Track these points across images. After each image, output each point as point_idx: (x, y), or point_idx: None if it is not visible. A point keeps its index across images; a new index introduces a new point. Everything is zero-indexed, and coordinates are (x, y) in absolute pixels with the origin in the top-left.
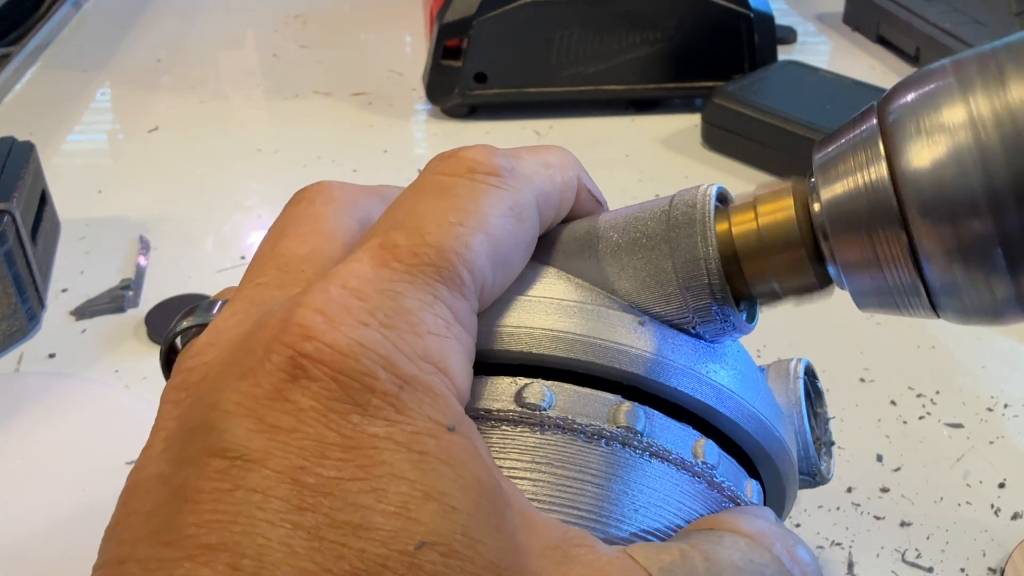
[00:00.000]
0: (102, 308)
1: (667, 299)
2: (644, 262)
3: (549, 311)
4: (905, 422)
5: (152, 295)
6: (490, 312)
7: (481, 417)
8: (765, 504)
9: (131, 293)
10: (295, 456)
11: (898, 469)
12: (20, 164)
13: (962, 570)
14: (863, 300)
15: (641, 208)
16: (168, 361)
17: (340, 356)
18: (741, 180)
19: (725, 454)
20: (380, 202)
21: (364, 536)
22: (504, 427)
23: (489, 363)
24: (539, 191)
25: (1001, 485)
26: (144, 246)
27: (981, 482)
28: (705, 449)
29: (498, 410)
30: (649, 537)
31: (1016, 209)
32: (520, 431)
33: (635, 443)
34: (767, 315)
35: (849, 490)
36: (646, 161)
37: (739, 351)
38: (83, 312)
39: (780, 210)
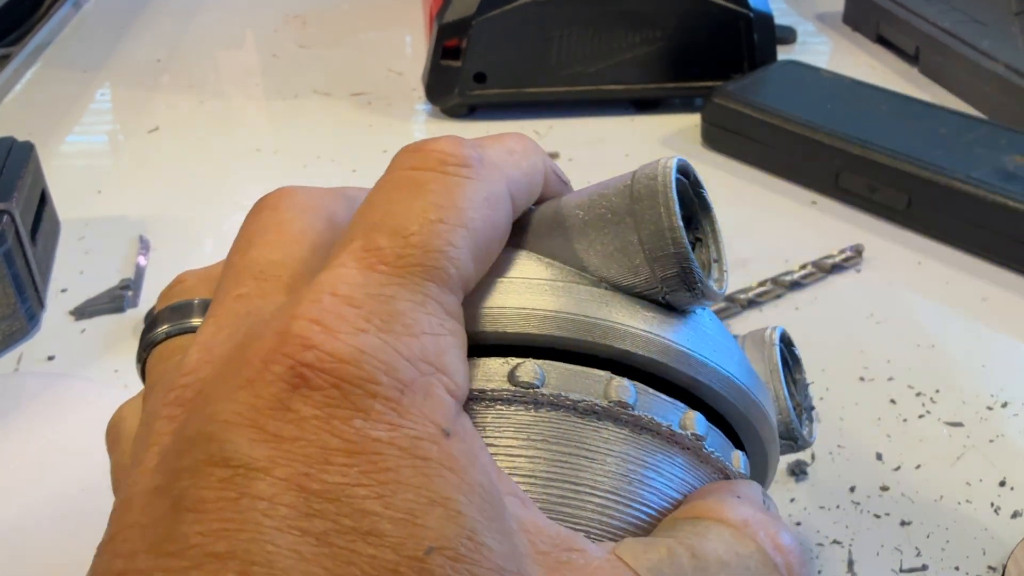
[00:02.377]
0: (102, 308)
1: (635, 271)
2: (611, 237)
3: (522, 290)
4: (905, 420)
5: (152, 295)
6: (471, 296)
7: (475, 397)
8: (750, 472)
9: (131, 293)
10: (300, 463)
11: (898, 468)
12: (20, 164)
13: (959, 568)
14: None
15: (604, 185)
16: (144, 365)
17: (341, 363)
18: (741, 180)
19: (712, 426)
20: (345, 202)
21: (373, 542)
22: (499, 406)
23: (476, 345)
24: (509, 178)
25: (1001, 484)
26: (144, 246)
27: (981, 481)
28: (695, 421)
29: (492, 390)
30: (643, 508)
31: None
32: (515, 410)
33: (626, 417)
34: (767, 313)
35: (850, 489)
36: (646, 161)
37: (711, 319)
38: (82, 312)
39: None
